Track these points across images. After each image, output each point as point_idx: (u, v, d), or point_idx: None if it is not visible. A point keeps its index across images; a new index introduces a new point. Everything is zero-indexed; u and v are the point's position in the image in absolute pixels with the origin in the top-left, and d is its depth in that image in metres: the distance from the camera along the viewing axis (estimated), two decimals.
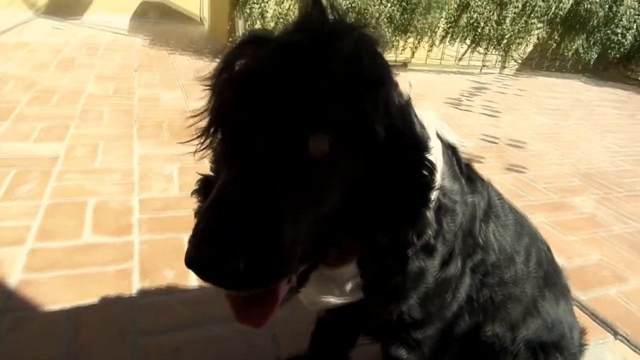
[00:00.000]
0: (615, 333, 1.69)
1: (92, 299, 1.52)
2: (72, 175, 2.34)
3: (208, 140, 0.72)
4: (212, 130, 0.70)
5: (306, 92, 0.61)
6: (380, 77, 0.67)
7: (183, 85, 4.29)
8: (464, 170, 0.94)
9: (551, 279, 1.14)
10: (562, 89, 6.68)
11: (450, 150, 0.93)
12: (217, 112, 0.68)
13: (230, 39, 5.98)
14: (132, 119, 3.26)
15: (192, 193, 0.91)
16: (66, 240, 1.82)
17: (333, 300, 0.90)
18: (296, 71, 0.61)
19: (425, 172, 0.71)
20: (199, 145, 0.73)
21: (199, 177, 0.90)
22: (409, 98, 0.78)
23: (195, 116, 0.73)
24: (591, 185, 3.09)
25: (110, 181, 2.33)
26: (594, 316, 1.77)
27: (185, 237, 1.91)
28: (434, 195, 0.76)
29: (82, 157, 2.57)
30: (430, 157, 0.73)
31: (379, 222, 0.71)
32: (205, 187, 0.88)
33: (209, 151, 0.75)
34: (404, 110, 0.73)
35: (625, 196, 2.98)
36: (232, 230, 0.58)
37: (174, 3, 8.54)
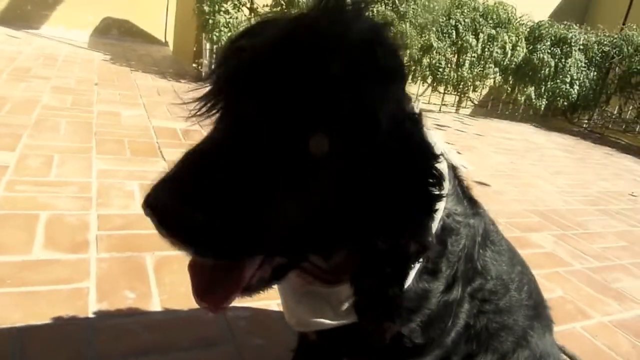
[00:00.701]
0: None
1: (43, 319, 1.37)
2: (24, 187, 2.17)
3: (205, 107, 0.69)
4: (211, 98, 0.68)
5: (314, 77, 0.57)
6: (394, 70, 0.64)
7: (145, 104, 4.16)
8: (466, 192, 0.92)
9: (539, 309, 1.13)
10: (515, 133, 7.01)
11: (453, 171, 0.91)
12: (220, 80, 0.66)
13: (196, 62, 5.92)
14: (91, 133, 3.10)
15: None
16: (14, 255, 1.65)
17: (326, 322, 0.84)
18: (305, 53, 0.58)
19: (433, 181, 0.67)
20: (194, 109, 0.70)
21: None
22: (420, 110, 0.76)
23: (203, 80, 0.70)
24: (549, 222, 3.20)
25: (66, 195, 2.17)
26: (562, 350, 1.78)
27: (147, 257, 1.79)
28: (439, 211, 0.73)
29: (35, 168, 2.39)
30: (439, 167, 0.69)
31: (379, 227, 0.66)
32: None
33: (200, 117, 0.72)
34: (414, 115, 0.70)
35: (580, 234, 3.09)
36: (202, 180, 0.54)
37: (136, 24, 8.40)
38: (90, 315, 1.43)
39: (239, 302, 1.62)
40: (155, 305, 1.54)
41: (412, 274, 0.74)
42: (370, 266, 0.69)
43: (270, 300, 1.67)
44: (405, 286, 0.73)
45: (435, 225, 0.73)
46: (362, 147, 0.60)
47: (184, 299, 1.59)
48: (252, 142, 0.58)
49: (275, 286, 0.90)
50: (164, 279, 1.67)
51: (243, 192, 0.56)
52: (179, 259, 1.80)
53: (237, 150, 0.57)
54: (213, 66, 0.70)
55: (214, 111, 0.68)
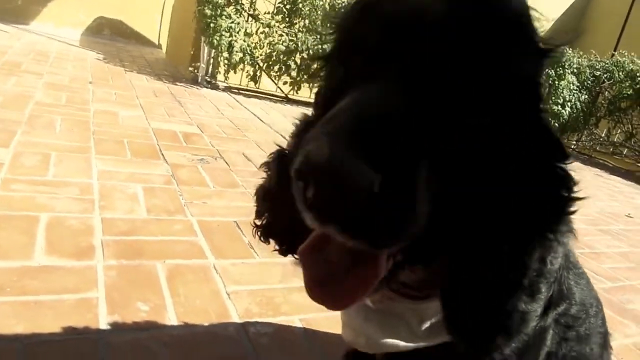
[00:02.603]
0: None
1: (49, 332, 1.24)
2: (20, 186, 2.02)
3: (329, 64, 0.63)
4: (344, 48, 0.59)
5: (495, 43, 0.51)
6: (545, 48, 0.57)
7: (142, 105, 4.02)
8: None
9: (607, 337, 1.04)
10: None
11: None
12: (363, 23, 0.56)
13: (192, 66, 5.80)
14: (89, 132, 2.95)
15: (262, 165, 0.81)
16: (13, 261, 1.51)
17: (402, 344, 0.74)
18: (483, 20, 0.51)
19: (568, 182, 0.61)
20: (316, 67, 0.65)
21: (276, 149, 0.80)
22: None
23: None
24: None
25: (66, 196, 2.03)
26: None
27: (159, 266, 1.66)
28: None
29: (32, 167, 2.24)
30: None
31: (514, 223, 0.58)
32: (280, 160, 0.76)
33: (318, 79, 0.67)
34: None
35: (587, 253, 3.05)
36: (381, 142, 0.44)
37: (130, 25, 8.23)
38: (102, 329, 1.30)
39: (259, 316, 1.51)
40: (171, 319, 1.41)
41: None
42: (486, 273, 0.60)
43: (293, 315, 1.55)
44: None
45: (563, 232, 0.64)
46: (521, 125, 0.55)
47: (201, 312, 1.46)
48: (428, 108, 0.49)
49: None
50: (177, 290, 1.55)
51: (415, 160, 0.47)
52: (192, 269, 1.68)
53: (411, 115, 0.48)
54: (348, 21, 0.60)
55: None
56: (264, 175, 0.84)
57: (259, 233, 0.84)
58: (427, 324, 0.73)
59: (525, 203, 0.58)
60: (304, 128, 0.75)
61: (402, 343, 0.74)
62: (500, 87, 0.53)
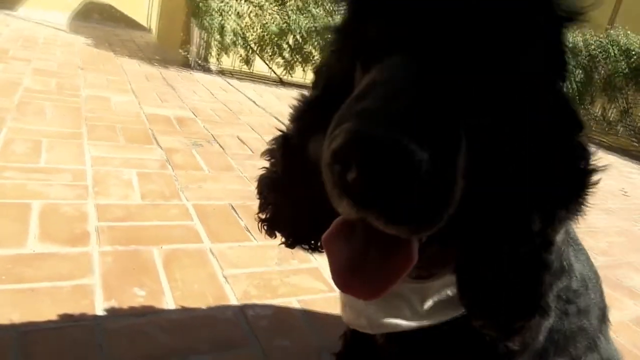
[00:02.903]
0: None
1: (45, 320, 1.23)
2: (11, 173, 1.98)
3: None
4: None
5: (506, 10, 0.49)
6: (565, 15, 0.55)
7: (134, 90, 3.96)
8: None
9: (606, 310, 1.04)
10: None
11: None
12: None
13: (183, 49, 5.72)
14: (81, 118, 2.90)
15: (264, 153, 0.76)
16: (6, 249, 1.49)
17: (404, 323, 0.73)
18: None
19: (585, 154, 0.60)
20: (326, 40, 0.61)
21: (278, 133, 0.75)
22: None
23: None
24: None
25: (59, 182, 2.00)
26: None
27: (155, 251, 1.64)
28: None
29: (23, 154, 2.21)
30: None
31: (526, 200, 0.57)
32: (285, 146, 0.72)
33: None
34: None
35: (584, 231, 3.06)
36: (421, 119, 0.42)
37: (119, 9, 8.09)
38: (99, 315, 1.29)
39: (258, 299, 1.50)
40: (168, 303, 1.40)
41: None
42: (504, 247, 0.58)
43: (290, 297, 1.55)
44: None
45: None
46: (544, 97, 0.54)
47: (198, 296, 1.45)
48: (461, 82, 0.48)
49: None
50: (174, 275, 1.54)
51: (456, 139, 0.45)
52: (189, 253, 1.67)
53: (448, 91, 0.46)
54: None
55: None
56: (266, 164, 0.79)
57: (265, 226, 0.79)
58: (429, 303, 0.72)
59: (544, 178, 0.57)
60: (306, 110, 0.71)
61: (404, 322, 0.73)
62: (524, 58, 0.51)
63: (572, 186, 0.60)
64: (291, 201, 0.73)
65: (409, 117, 0.41)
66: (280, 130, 0.75)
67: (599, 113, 8.61)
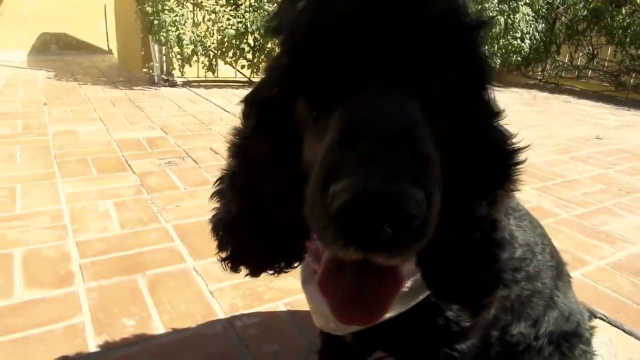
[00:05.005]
0: (594, 315, 1.72)
1: None
2: None
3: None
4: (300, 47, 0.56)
5: (436, 25, 0.53)
6: (483, 20, 0.60)
7: (102, 117, 3.96)
8: None
9: (560, 267, 1.11)
10: None
11: None
12: (320, 27, 0.54)
13: (146, 67, 5.69)
14: (51, 157, 2.92)
15: (212, 195, 0.79)
16: None
17: None
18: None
19: (506, 137, 0.67)
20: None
21: (221, 172, 0.77)
22: None
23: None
24: (528, 177, 3.23)
25: (38, 227, 2.03)
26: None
27: (139, 279, 1.68)
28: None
29: None
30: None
31: (469, 188, 0.64)
32: (233, 184, 0.74)
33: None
34: None
35: (560, 183, 3.15)
36: (411, 160, 0.45)
37: (75, 36, 7.99)
38: (92, 352, 1.33)
39: (245, 308, 1.54)
40: (158, 328, 1.45)
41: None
42: (459, 235, 0.65)
43: (277, 301, 1.60)
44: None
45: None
46: (474, 93, 0.60)
47: (186, 316, 1.50)
48: (427, 110, 0.52)
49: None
50: (161, 299, 1.58)
51: (438, 169, 0.50)
52: (173, 275, 1.72)
53: (424, 123, 0.50)
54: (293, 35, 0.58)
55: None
56: (216, 204, 0.81)
57: (228, 264, 0.81)
58: None
59: (480, 167, 0.63)
60: (244, 144, 0.72)
61: None
62: (462, 64, 0.56)
63: (502, 167, 0.66)
64: (250, 235, 0.75)
65: (404, 163, 0.44)
66: (224, 170, 0.77)
67: (567, 60, 8.71)
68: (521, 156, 0.68)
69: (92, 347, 1.35)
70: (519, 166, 0.67)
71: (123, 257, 1.83)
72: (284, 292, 1.65)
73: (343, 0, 0.53)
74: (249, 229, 0.74)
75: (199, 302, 1.58)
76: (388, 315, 0.77)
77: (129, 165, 2.85)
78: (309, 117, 0.57)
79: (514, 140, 0.69)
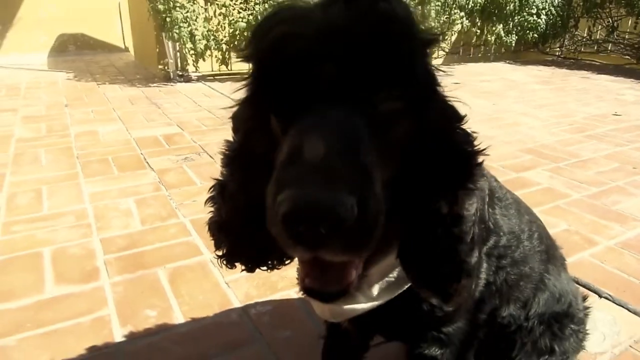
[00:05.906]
0: (599, 295, 1.75)
1: (73, 355, 1.38)
2: (20, 227, 2.14)
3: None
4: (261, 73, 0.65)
5: (381, 46, 0.58)
6: (430, 37, 0.65)
7: (120, 116, 4.09)
8: None
9: (551, 251, 1.15)
10: (491, 73, 7.00)
11: None
12: (275, 53, 0.61)
13: (162, 63, 5.80)
14: (74, 158, 3.05)
15: (207, 201, 0.86)
16: (27, 298, 1.65)
17: (359, 307, 0.86)
18: (368, 24, 0.59)
19: (469, 138, 0.73)
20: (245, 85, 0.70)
21: (213, 181, 0.85)
22: None
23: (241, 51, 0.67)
24: (541, 158, 3.24)
25: (64, 226, 2.15)
26: (576, 281, 1.83)
27: (160, 272, 1.79)
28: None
29: (27, 205, 2.36)
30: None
31: (431, 189, 0.70)
32: (223, 191, 0.82)
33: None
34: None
35: (573, 163, 3.14)
36: (343, 170, 0.52)
37: (93, 36, 8.17)
38: (118, 342, 1.44)
39: (259, 297, 1.63)
40: (178, 318, 1.55)
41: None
42: (426, 231, 0.71)
43: (290, 290, 1.69)
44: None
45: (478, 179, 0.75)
46: (416, 110, 0.64)
47: (204, 306, 1.60)
48: (370, 123, 0.58)
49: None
50: (180, 291, 1.68)
51: (375, 172, 0.56)
52: (191, 268, 1.81)
53: (363, 134, 0.57)
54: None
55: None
56: (211, 209, 0.89)
57: (223, 261, 0.90)
58: (375, 287, 0.84)
59: (442, 168, 0.69)
60: (233, 156, 0.81)
61: (359, 306, 0.86)
62: (407, 80, 0.62)
63: (464, 168, 0.72)
64: (241, 236, 0.83)
65: (336, 174, 0.52)
66: (216, 179, 0.85)
67: (586, 34, 8.50)
68: (482, 155, 0.74)
69: (118, 338, 1.46)
70: (478, 167, 0.74)
71: (144, 251, 1.94)
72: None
73: (300, 36, 0.59)
74: (240, 231, 0.82)
75: (215, 293, 1.67)
76: (377, 302, 0.85)
77: (148, 162, 2.97)
78: (279, 133, 0.65)
79: (475, 142, 0.75)
